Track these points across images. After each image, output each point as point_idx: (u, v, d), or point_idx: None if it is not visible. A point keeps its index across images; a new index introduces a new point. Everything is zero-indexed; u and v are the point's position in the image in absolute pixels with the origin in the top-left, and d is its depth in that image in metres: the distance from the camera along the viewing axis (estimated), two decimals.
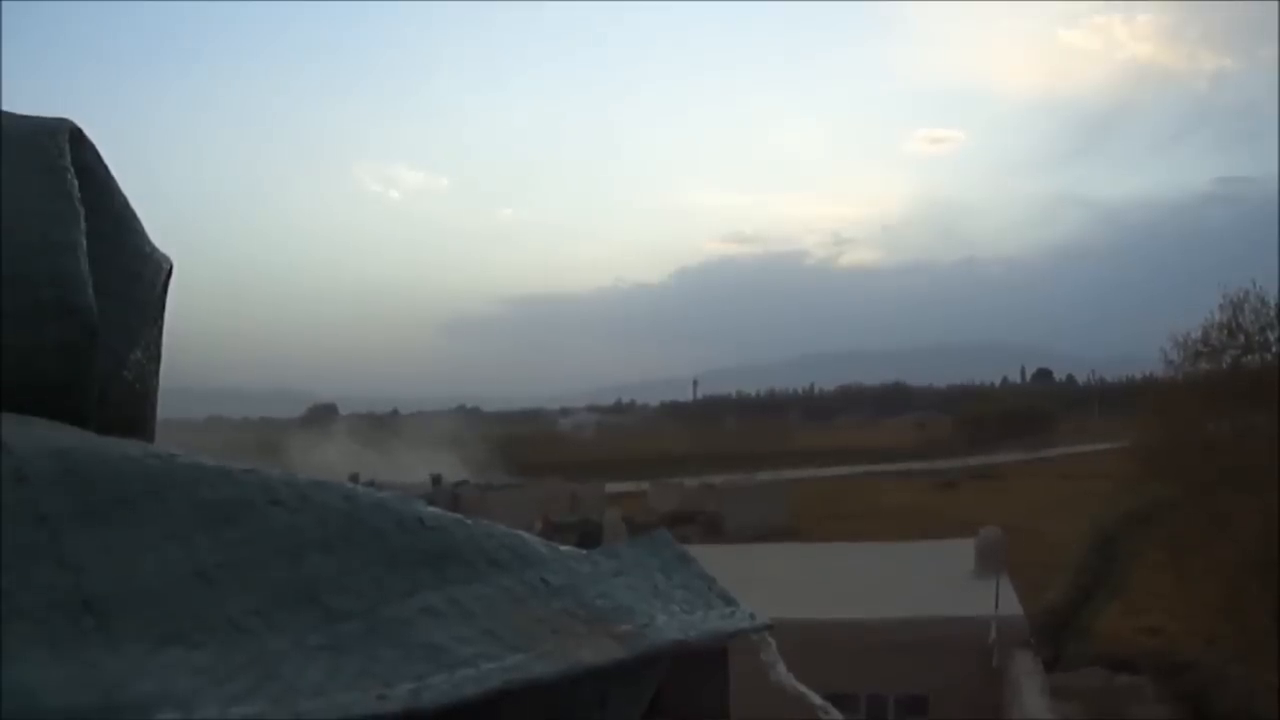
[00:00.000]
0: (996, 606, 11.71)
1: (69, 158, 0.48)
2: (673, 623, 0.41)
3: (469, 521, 0.42)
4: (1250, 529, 13.78)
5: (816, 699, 0.48)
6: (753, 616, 0.45)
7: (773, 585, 10.78)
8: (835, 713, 0.48)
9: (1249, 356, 16.28)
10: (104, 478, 0.37)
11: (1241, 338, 16.40)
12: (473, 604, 0.38)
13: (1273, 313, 16.24)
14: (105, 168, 0.50)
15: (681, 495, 35.95)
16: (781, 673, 0.47)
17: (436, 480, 38.30)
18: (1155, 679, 14.08)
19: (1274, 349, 16.24)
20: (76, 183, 0.47)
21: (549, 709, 0.39)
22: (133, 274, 0.50)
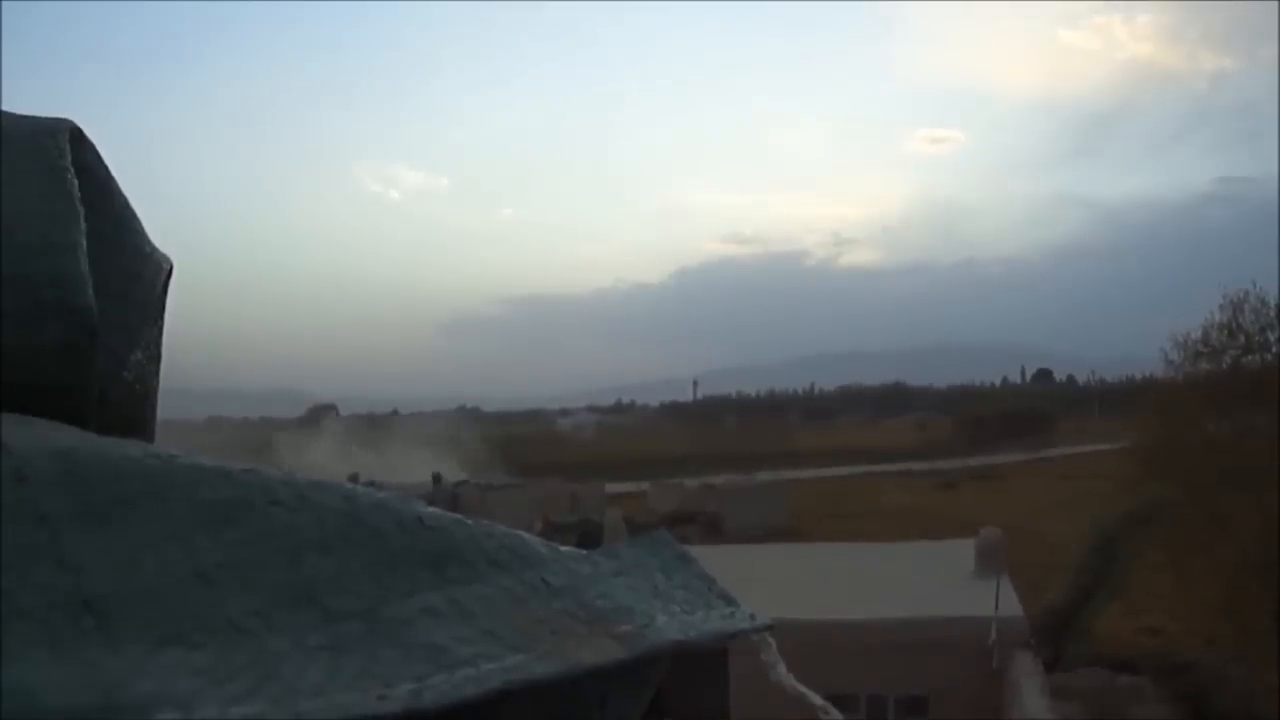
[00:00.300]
0: (996, 607, 11.71)
1: (69, 158, 0.48)
2: (673, 623, 0.41)
3: (469, 521, 0.42)
4: (1250, 529, 13.78)
5: (816, 699, 0.48)
6: (753, 617, 0.45)
7: (773, 585, 10.78)
8: (835, 713, 0.48)
9: (1249, 356, 16.28)
10: (104, 478, 0.37)
11: (1241, 338, 16.40)
12: (473, 604, 0.38)
13: (1273, 313, 16.25)
14: (105, 168, 0.50)
15: (681, 495, 35.94)
16: (782, 673, 0.47)
17: (437, 480, 38.29)
18: (1155, 679, 14.07)
19: (1274, 349, 16.24)
20: (76, 183, 0.47)
21: (549, 709, 0.39)
22: (133, 274, 0.50)
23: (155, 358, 0.52)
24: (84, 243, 0.45)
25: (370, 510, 0.40)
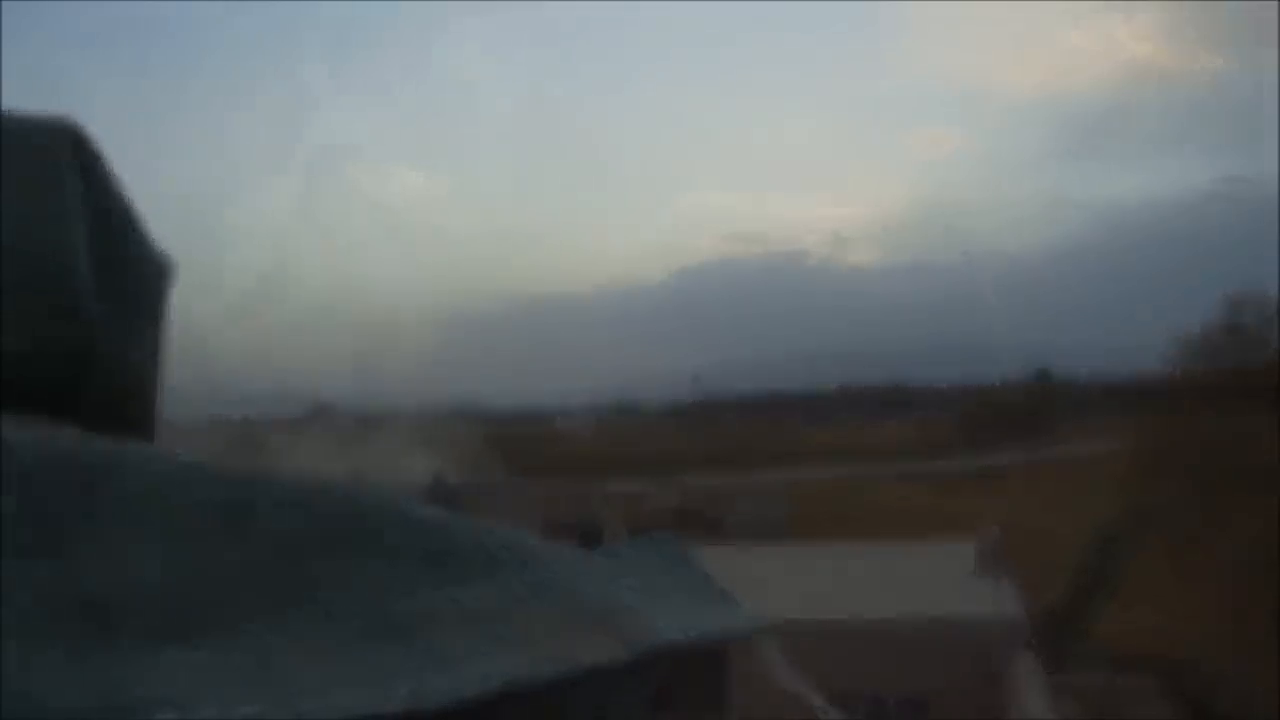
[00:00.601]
0: (996, 607, 11.70)
1: (70, 158, 0.48)
2: (673, 623, 0.41)
3: (469, 521, 0.42)
4: (1251, 529, 13.78)
5: (815, 699, 0.48)
6: (752, 616, 0.45)
7: (773, 585, 10.77)
8: (834, 713, 0.48)
9: (1249, 356, 16.29)
10: (104, 478, 0.36)
11: (1242, 338, 16.40)
12: (473, 604, 0.38)
13: (1273, 312, 16.25)
14: (107, 168, 0.50)
15: (681, 495, 35.94)
16: (781, 673, 0.47)
17: (437, 480, 38.22)
18: (1156, 679, 14.07)
19: (1274, 349, 16.24)
20: (78, 183, 0.47)
21: (549, 709, 0.39)
22: (134, 275, 0.50)
23: (156, 358, 0.52)
24: (85, 243, 0.45)
25: (371, 510, 0.40)
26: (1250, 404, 15.28)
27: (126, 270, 0.50)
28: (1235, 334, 16.45)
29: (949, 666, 11.55)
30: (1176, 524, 15.39)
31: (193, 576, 0.35)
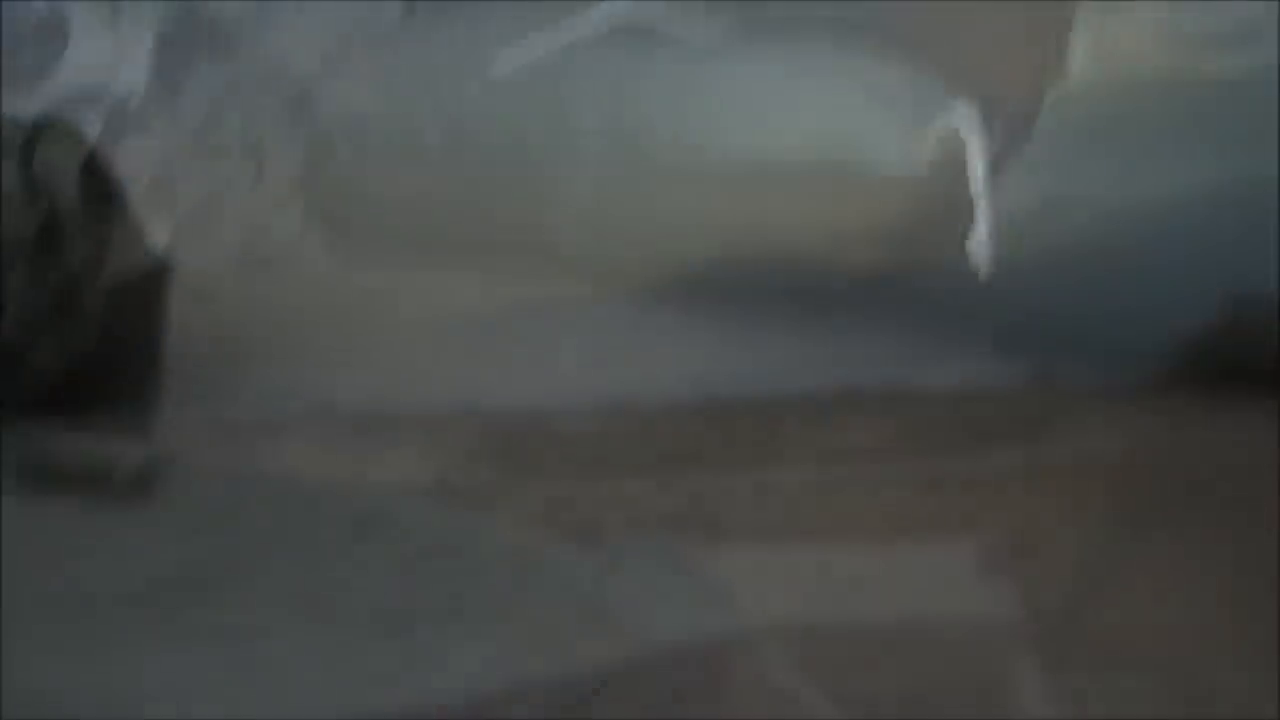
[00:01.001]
0: (996, 607, 11.76)
1: (68, 155, 0.48)
2: (671, 623, 0.41)
3: (468, 521, 0.42)
4: (1251, 529, 13.85)
5: (816, 700, 0.48)
6: (750, 616, 0.45)
7: (773, 585, 10.80)
8: (835, 713, 0.48)
9: (1249, 356, 16.35)
10: (101, 478, 0.37)
11: (1242, 338, 16.47)
12: (472, 604, 0.38)
13: (1274, 312, 16.31)
14: (106, 166, 0.50)
15: (681, 496, 36.05)
16: (781, 674, 0.47)
17: (437, 480, 38.34)
18: (1156, 679, 14.14)
19: (1274, 349, 16.30)
20: (76, 181, 0.47)
21: (548, 709, 0.39)
22: (132, 274, 0.50)
23: (154, 357, 0.52)
24: (82, 242, 0.45)
25: (370, 510, 0.40)
26: (1250, 405, 15.33)
27: (125, 270, 0.50)
28: (1235, 334, 16.51)
29: (948, 667, 11.59)
30: (1176, 524, 15.45)
31: (192, 576, 0.35)
